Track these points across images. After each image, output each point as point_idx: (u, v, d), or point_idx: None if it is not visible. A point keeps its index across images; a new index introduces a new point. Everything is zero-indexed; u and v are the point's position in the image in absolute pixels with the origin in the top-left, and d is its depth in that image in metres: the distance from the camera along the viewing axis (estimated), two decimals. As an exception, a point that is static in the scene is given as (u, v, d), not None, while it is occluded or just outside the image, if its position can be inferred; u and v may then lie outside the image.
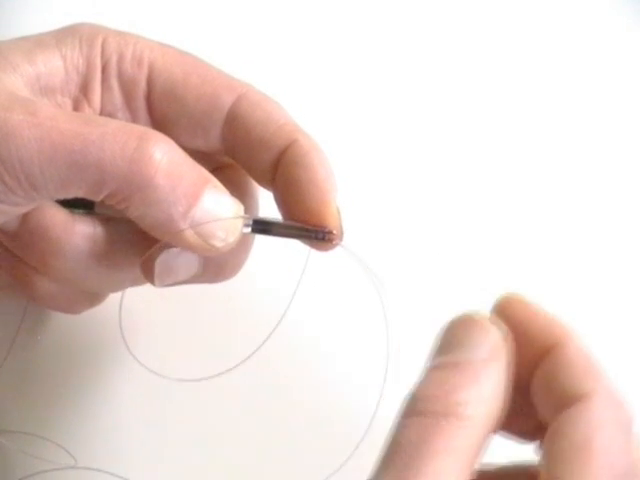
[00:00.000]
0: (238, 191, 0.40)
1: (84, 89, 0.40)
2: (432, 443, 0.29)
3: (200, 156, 0.39)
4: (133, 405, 0.45)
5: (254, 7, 0.51)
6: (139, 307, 0.45)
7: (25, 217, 0.38)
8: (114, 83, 0.40)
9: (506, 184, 0.49)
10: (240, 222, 0.38)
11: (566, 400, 0.30)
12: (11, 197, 0.36)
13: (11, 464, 0.44)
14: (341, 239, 0.39)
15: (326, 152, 0.39)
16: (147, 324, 0.45)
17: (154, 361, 0.40)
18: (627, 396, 0.30)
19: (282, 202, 0.39)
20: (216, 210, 0.38)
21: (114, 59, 0.40)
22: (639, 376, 0.45)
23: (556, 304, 0.46)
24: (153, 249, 0.38)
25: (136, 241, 0.39)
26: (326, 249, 0.39)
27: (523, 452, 0.32)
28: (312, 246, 0.39)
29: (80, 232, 0.39)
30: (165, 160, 0.36)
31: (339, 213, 0.38)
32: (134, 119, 0.40)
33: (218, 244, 0.38)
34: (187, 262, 0.39)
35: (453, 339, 0.31)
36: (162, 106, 0.40)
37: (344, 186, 0.39)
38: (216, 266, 0.40)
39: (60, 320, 0.46)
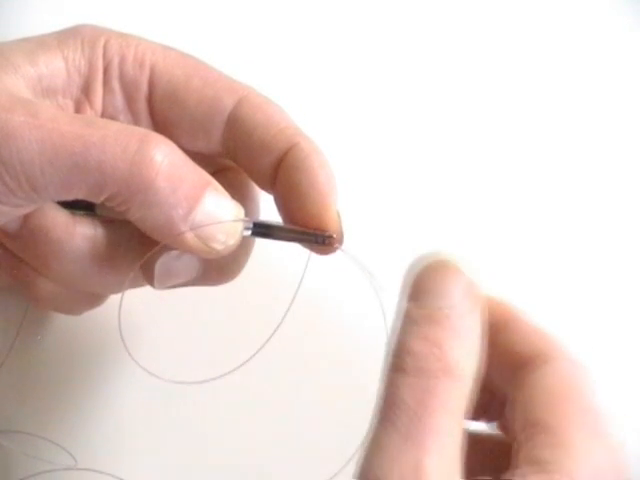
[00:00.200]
0: (239, 194, 0.40)
1: (86, 91, 0.40)
2: (429, 403, 0.30)
3: (201, 159, 0.39)
4: (133, 406, 0.45)
5: (255, 9, 0.51)
6: (139, 309, 0.45)
7: (26, 218, 0.38)
8: (116, 85, 0.40)
9: (507, 188, 0.49)
10: (240, 225, 0.38)
11: (528, 360, 0.32)
12: (12, 198, 0.36)
13: (11, 464, 0.44)
14: (341, 243, 0.39)
15: (327, 156, 0.39)
16: (147, 326, 0.45)
17: (154, 363, 0.40)
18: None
19: (282, 205, 0.39)
20: (217, 213, 0.38)
21: (116, 61, 0.40)
22: (637, 375, 0.45)
23: (556, 304, 0.47)
24: (153, 251, 0.38)
25: (136, 243, 0.39)
26: (326, 253, 0.39)
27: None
28: (312, 250, 0.39)
29: (81, 233, 0.39)
30: (166, 162, 0.36)
31: (339, 217, 0.38)
32: (135, 121, 0.40)
33: (218, 247, 0.38)
34: (187, 264, 0.39)
35: (427, 286, 0.32)
36: (163, 108, 0.40)
37: (345, 190, 0.39)
38: (216, 269, 0.40)
39: (60, 321, 0.46)
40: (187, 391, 0.41)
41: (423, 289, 0.32)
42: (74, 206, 0.39)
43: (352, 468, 0.35)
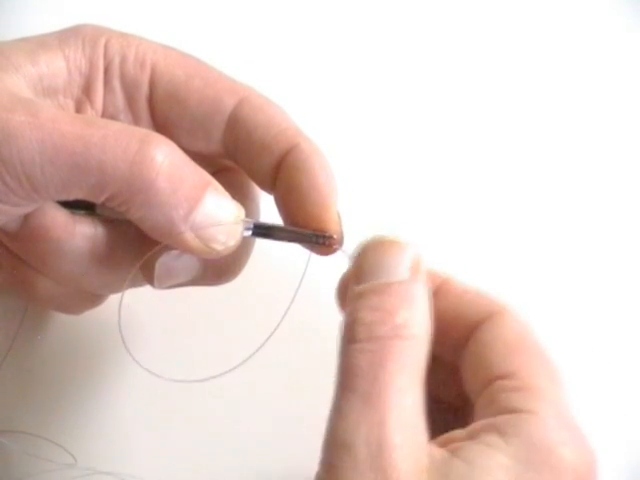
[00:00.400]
0: (239, 194, 0.40)
1: (87, 90, 0.40)
2: (386, 366, 0.31)
3: (201, 159, 0.39)
4: (133, 405, 0.45)
5: (256, 10, 0.51)
6: (139, 308, 0.45)
7: (26, 218, 0.38)
8: (116, 85, 0.40)
9: (506, 188, 0.49)
10: (241, 225, 0.38)
11: (474, 323, 0.34)
12: (12, 198, 0.36)
13: (12, 464, 0.44)
14: (341, 244, 0.39)
15: (327, 157, 0.39)
16: (147, 325, 0.46)
17: (153, 361, 0.40)
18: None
19: (283, 206, 0.39)
20: (217, 213, 0.38)
21: (117, 61, 0.40)
22: (636, 375, 0.45)
23: (557, 306, 0.47)
24: (153, 251, 0.38)
25: (136, 243, 0.39)
26: (326, 253, 0.39)
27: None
28: (312, 250, 0.39)
29: (81, 233, 0.39)
30: (166, 163, 0.36)
31: (339, 218, 0.39)
32: (136, 121, 0.40)
33: (218, 247, 0.38)
34: (187, 264, 0.39)
35: (373, 263, 0.33)
36: (164, 108, 0.40)
37: (345, 191, 0.39)
38: (216, 269, 0.40)
39: (60, 320, 0.46)
40: (187, 390, 0.41)
41: (364, 267, 0.34)
42: (74, 206, 0.39)
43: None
